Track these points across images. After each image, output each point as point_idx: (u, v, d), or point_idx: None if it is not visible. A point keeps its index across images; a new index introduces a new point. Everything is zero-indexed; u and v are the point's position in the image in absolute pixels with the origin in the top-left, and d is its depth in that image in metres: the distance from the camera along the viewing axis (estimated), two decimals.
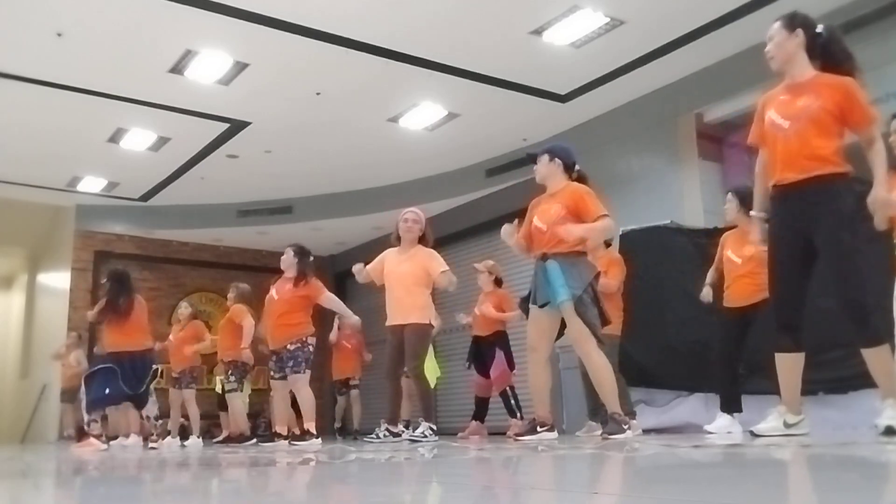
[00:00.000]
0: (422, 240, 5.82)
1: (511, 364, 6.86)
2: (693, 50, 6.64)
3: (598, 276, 4.60)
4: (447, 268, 5.73)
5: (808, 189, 3.39)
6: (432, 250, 5.84)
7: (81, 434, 6.65)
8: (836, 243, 3.35)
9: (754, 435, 3.69)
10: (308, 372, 6.13)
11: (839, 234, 3.35)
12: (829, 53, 3.51)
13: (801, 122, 3.42)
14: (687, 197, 6.99)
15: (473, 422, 7.00)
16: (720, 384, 5.10)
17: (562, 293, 4.38)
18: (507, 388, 6.86)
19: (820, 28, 3.56)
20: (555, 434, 4.70)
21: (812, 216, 3.40)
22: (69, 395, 9.61)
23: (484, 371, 6.91)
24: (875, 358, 3.32)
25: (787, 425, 3.56)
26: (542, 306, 4.49)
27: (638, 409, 5.93)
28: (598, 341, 4.42)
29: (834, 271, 3.38)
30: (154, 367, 6.57)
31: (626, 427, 4.33)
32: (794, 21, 3.54)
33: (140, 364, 6.45)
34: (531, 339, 4.60)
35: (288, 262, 6.25)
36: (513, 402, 6.85)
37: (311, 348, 6.14)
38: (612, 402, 4.40)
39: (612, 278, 5.72)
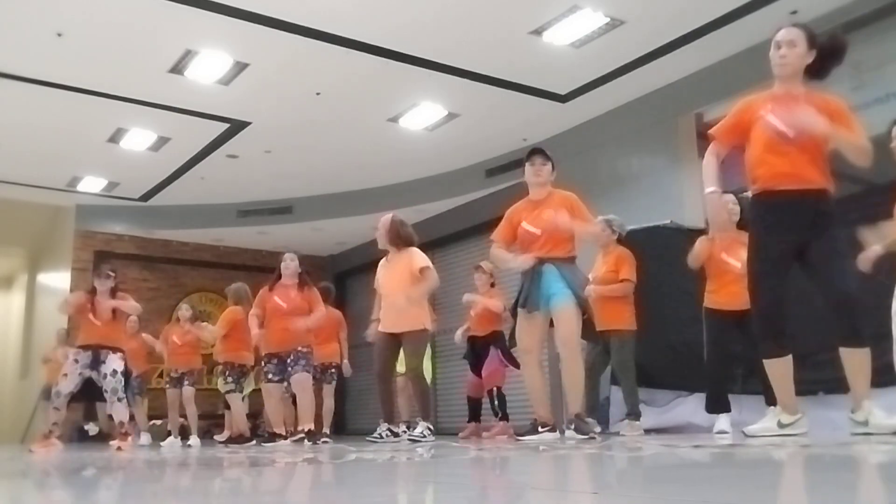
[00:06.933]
0: (402, 242, 5.80)
1: (512, 362, 6.82)
2: (693, 50, 6.64)
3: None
4: (428, 263, 5.71)
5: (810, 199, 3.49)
6: (414, 249, 5.81)
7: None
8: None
9: (746, 436, 3.71)
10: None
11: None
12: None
13: (806, 136, 3.45)
14: (687, 197, 6.99)
15: (471, 423, 6.95)
16: (712, 384, 5.11)
17: (564, 295, 4.54)
18: (494, 388, 6.82)
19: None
20: (556, 434, 4.72)
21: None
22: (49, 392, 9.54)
23: (479, 370, 6.85)
24: (853, 358, 3.39)
25: (781, 425, 3.60)
26: (532, 311, 4.64)
27: None
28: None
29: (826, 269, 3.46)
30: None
31: (597, 430, 4.54)
32: (814, 41, 3.58)
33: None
34: (525, 342, 4.76)
35: (293, 269, 6.38)
36: (496, 402, 6.83)
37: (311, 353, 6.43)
38: (580, 402, 4.60)
39: (626, 275, 5.75)
